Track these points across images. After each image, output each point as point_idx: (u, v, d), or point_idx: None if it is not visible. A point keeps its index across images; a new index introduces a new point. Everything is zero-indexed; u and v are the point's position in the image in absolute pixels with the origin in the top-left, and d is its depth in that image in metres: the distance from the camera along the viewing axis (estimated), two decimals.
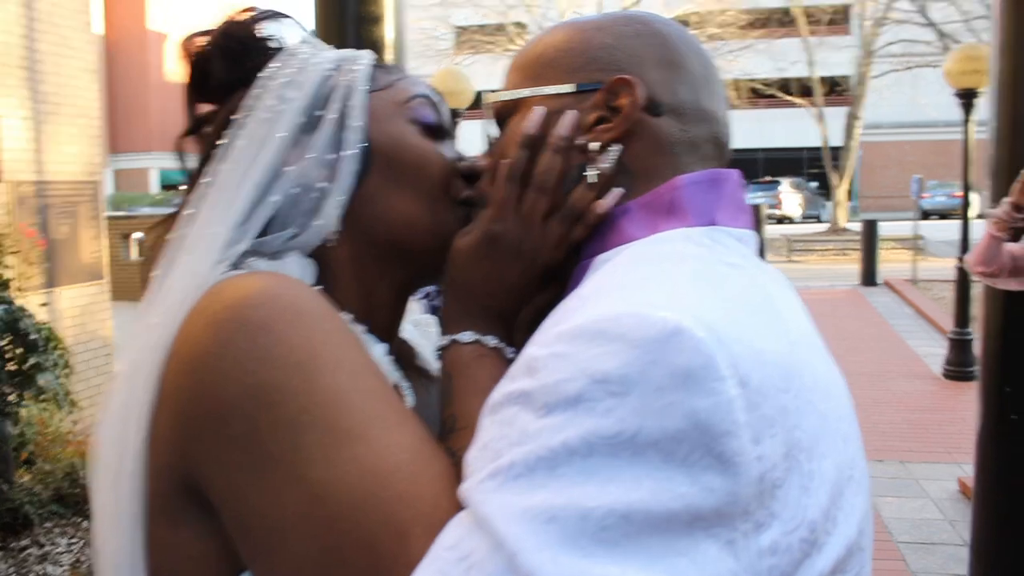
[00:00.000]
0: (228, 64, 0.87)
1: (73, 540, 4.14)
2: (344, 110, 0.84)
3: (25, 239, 5.37)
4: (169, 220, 0.85)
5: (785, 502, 0.55)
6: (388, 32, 3.81)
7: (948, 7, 15.74)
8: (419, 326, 1.05)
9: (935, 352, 8.10)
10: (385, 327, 0.88)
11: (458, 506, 0.61)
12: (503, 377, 0.62)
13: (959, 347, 7.38)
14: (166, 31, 40.53)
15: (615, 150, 0.75)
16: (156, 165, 40.29)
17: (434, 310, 2.32)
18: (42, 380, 3.94)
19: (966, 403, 6.50)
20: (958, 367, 7.33)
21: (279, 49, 0.88)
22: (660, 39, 0.79)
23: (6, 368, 3.75)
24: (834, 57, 23.12)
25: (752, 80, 24.63)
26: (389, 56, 3.80)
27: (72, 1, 7.18)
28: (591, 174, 0.75)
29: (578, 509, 0.51)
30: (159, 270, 0.78)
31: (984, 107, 7.23)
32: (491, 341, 0.78)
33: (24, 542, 4.07)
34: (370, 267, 0.86)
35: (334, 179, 0.83)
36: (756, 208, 13.46)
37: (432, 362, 1.00)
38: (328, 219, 0.83)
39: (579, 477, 0.52)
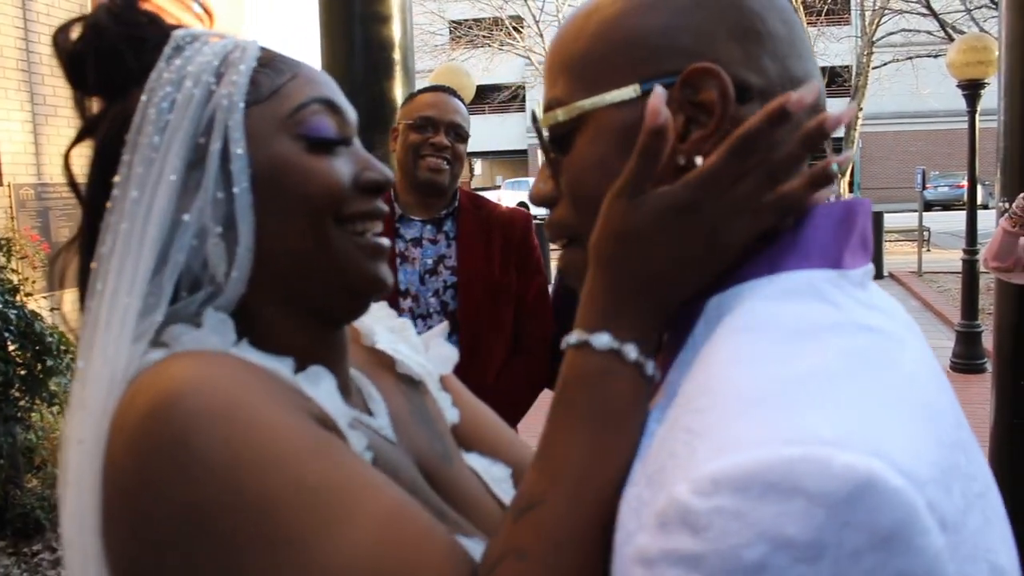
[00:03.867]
0: (103, 66, 0.78)
1: None
2: (226, 135, 0.75)
3: (29, 243, 5.34)
4: (73, 243, 0.80)
5: None
6: (396, 31, 3.79)
7: None
8: (395, 331, 1.00)
9: (942, 345, 8.07)
10: (330, 356, 0.82)
11: None
12: (649, 519, 0.52)
13: (967, 340, 7.36)
14: None
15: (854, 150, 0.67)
16: None
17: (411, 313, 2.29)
18: (54, 384, 3.92)
19: (976, 396, 6.47)
20: (966, 360, 7.31)
21: (158, 38, 0.79)
22: (728, 1, 0.65)
23: (17, 372, 3.74)
24: (834, 47, 23.05)
25: None
26: (397, 56, 3.79)
27: (68, 1, 7.15)
28: (836, 164, 0.64)
29: None
30: (81, 357, 0.72)
31: (989, 97, 7.22)
32: (631, 353, 0.64)
33: (36, 547, 4.05)
34: (290, 304, 0.79)
35: (231, 222, 0.75)
36: None
37: (414, 367, 0.96)
38: (243, 270, 0.75)
39: None
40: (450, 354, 1.03)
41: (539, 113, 0.72)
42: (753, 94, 0.65)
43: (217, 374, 0.66)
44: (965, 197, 7.78)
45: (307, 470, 0.64)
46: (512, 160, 34.19)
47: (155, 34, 0.79)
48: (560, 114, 0.69)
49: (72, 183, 0.82)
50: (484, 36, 24.71)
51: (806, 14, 21.76)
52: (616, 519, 0.59)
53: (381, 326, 0.98)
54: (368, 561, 0.62)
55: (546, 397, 2.43)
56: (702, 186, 0.63)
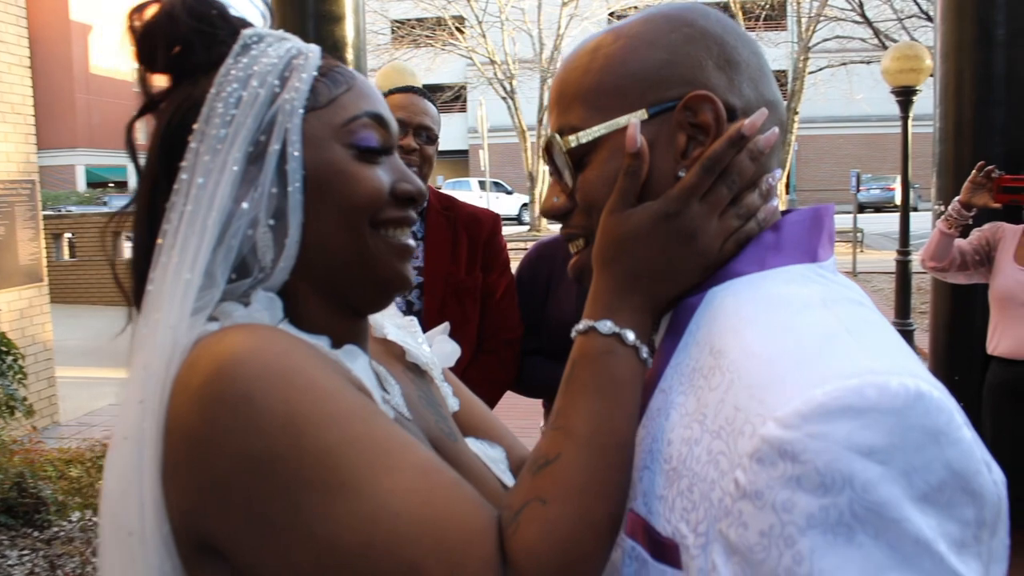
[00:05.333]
0: (173, 53, 0.85)
1: (24, 552, 4.01)
2: (285, 137, 0.83)
3: None
4: (118, 218, 0.88)
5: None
6: (348, 32, 3.78)
7: (881, 5, 16.14)
8: (402, 327, 1.08)
9: None
10: (357, 341, 0.90)
11: (467, 534, 0.70)
12: (740, 461, 0.63)
13: None
14: (90, 22, 39.20)
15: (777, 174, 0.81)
16: (82, 162, 38.98)
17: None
18: None
19: None
20: None
21: (226, 33, 0.86)
22: (711, 38, 0.78)
23: None
24: (771, 52, 23.55)
25: None
26: (349, 56, 3.78)
27: None
28: (773, 178, 0.80)
29: (890, 557, 0.58)
30: (143, 324, 0.79)
31: (919, 103, 7.47)
32: (629, 336, 0.76)
33: None
34: (325, 293, 0.87)
35: (282, 215, 0.83)
36: None
37: (422, 357, 1.05)
38: (289, 260, 0.83)
39: (882, 535, 0.58)
40: (452, 350, 1.10)
41: (547, 140, 0.84)
42: (737, 114, 0.78)
43: (272, 342, 0.74)
44: (896, 199, 8.03)
45: (356, 426, 0.72)
46: (453, 160, 34.14)
47: (224, 29, 0.86)
48: (581, 137, 0.80)
49: (133, 156, 0.87)
50: (427, 36, 24.62)
51: (744, 19, 22.18)
52: (676, 478, 0.70)
53: (390, 322, 1.06)
54: (411, 504, 0.70)
55: (512, 398, 2.45)
56: (680, 197, 0.76)
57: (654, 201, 0.76)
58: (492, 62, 23.95)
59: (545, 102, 24.09)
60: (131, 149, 0.88)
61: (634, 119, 0.77)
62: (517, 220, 26.87)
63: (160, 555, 0.74)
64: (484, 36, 23.75)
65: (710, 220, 0.76)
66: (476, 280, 2.35)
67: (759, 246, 0.78)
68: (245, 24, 0.88)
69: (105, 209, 24.13)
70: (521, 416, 3.04)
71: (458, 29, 24.34)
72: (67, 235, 12.76)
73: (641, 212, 0.76)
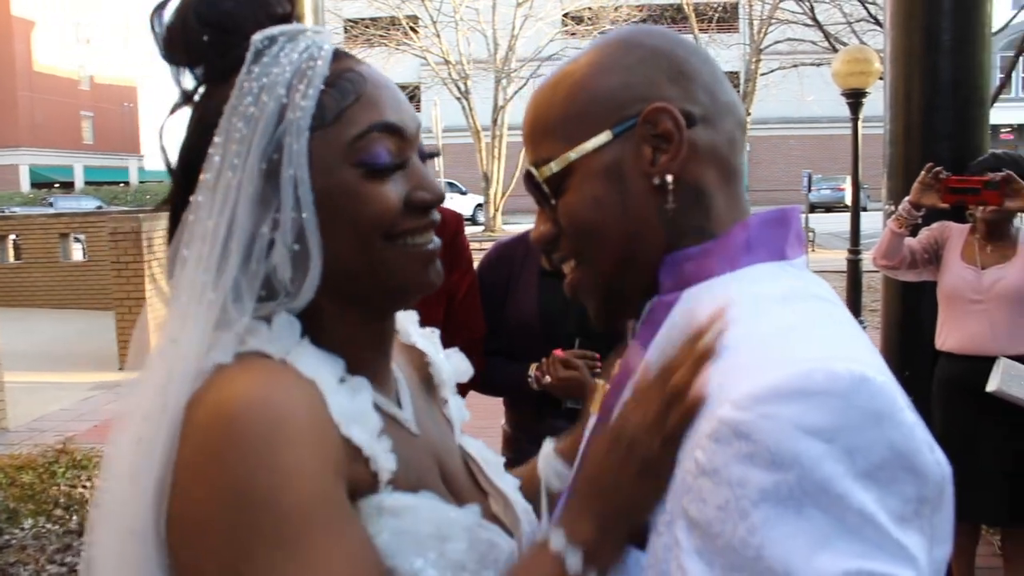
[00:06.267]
0: (192, 48, 0.85)
1: None
2: (295, 160, 0.82)
3: None
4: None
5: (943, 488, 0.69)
6: None
7: (831, 8, 16.42)
8: (425, 337, 1.08)
9: None
10: (372, 357, 0.91)
11: None
12: (700, 441, 0.67)
13: None
14: (33, 18, 38.20)
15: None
16: (26, 162, 37.93)
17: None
18: None
19: None
20: None
21: (240, 36, 0.84)
22: (661, 55, 0.83)
23: None
24: (724, 54, 23.80)
25: None
26: None
27: None
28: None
29: (835, 528, 0.62)
30: (172, 335, 0.80)
31: (869, 105, 7.64)
32: (575, 566, 0.76)
33: None
34: (345, 305, 0.87)
35: (302, 239, 0.82)
36: None
37: (443, 371, 1.05)
38: (313, 281, 0.83)
39: (828, 508, 0.62)
40: (466, 368, 1.11)
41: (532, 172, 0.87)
42: (696, 120, 0.82)
43: (271, 402, 0.75)
44: (846, 199, 8.19)
45: (299, 523, 0.73)
46: None
47: (236, 33, 0.84)
48: (554, 166, 0.84)
49: (165, 159, 0.88)
50: (380, 36, 24.48)
51: (697, 21, 22.43)
52: None
53: (414, 329, 1.07)
54: None
55: (471, 398, 2.46)
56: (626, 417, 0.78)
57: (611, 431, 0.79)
58: (446, 62, 23.90)
59: (500, 102, 24.21)
60: (164, 153, 0.89)
61: (602, 140, 0.82)
62: (471, 220, 26.83)
63: (163, 552, 0.76)
64: (438, 36, 23.68)
65: (644, 428, 0.75)
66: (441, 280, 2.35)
67: (730, 247, 0.82)
68: (260, 22, 0.85)
69: (51, 210, 23.51)
70: (481, 417, 3.04)
71: (412, 29, 24.25)
72: (11, 237, 12.44)
73: (602, 435, 0.79)
